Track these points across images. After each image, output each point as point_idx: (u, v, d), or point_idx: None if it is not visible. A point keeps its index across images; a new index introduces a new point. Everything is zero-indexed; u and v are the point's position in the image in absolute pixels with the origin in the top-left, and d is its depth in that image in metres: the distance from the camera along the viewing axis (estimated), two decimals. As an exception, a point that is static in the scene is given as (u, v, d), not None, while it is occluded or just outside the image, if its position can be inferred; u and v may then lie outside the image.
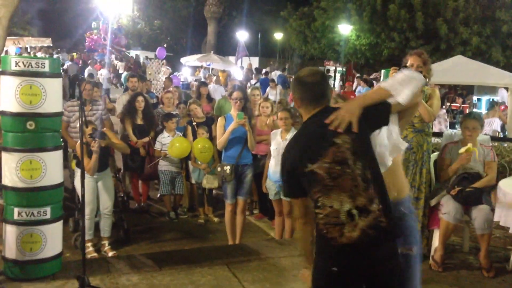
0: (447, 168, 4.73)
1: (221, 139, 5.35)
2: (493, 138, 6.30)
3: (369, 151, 2.36)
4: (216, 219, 6.74)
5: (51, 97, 3.98)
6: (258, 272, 4.37)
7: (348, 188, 2.27)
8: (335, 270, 2.26)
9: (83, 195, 4.14)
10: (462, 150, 4.54)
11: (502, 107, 11.64)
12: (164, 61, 15.33)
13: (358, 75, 19.68)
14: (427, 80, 4.73)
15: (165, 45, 25.68)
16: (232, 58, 23.33)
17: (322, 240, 2.32)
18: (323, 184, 2.30)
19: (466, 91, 17.15)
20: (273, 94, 16.06)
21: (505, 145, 6.54)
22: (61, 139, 4.30)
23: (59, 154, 4.17)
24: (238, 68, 20.55)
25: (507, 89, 10.57)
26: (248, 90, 7.02)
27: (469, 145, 4.53)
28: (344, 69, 22.25)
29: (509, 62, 17.74)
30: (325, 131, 2.34)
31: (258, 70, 20.36)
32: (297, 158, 2.39)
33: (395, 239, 2.32)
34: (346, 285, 2.30)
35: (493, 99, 13.86)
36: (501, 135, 10.64)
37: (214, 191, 7.40)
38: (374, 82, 15.44)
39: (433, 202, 4.69)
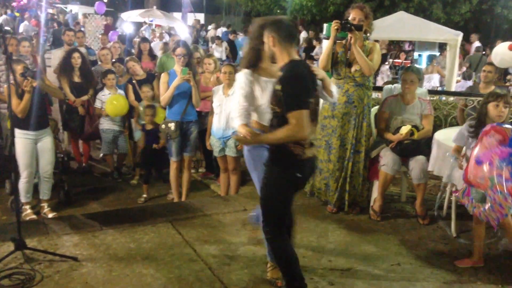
0: (385, 121, 4.84)
1: (165, 95, 5.22)
2: (431, 92, 6.48)
3: None
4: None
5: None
6: (203, 228, 4.37)
7: (313, 123, 3.10)
8: (299, 175, 3.06)
9: (13, 154, 3.93)
10: (403, 131, 4.65)
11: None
12: (105, 16, 14.71)
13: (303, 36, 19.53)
14: (368, 35, 4.76)
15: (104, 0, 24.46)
16: (176, 14, 22.62)
17: (288, 154, 3.01)
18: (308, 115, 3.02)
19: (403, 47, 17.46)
20: (219, 51, 15.80)
21: (443, 98, 6.75)
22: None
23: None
24: (183, 24, 19.96)
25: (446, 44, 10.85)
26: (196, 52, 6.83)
27: (409, 126, 4.64)
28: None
29: (449, 19, 18.17)
30: (313, 77, 3.13)
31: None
32: (307, 89, 3.01)
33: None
34: (298, 183, 3.16)
35: (433, 54, 14.22)
36: (440, 89, 11.00)
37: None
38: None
39: (373, 154, 4.81)
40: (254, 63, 3.39)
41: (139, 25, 18.55)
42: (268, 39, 3.06)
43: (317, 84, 3.17)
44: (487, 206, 3.35)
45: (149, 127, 6.09)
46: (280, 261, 3.17)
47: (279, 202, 3.10)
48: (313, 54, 15.61)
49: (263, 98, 3.30)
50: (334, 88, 3.33)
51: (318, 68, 3.35)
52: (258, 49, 3.30)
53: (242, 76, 3.40)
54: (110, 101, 6.23)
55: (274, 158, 3.07)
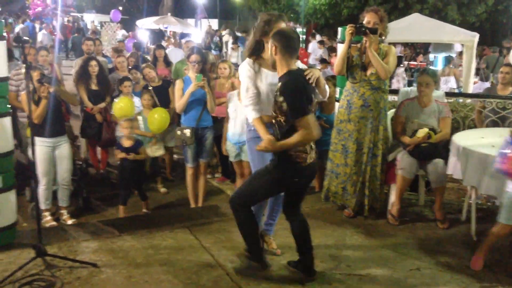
0: (401, 124, 4.80)
1: (180, 102, 5.26)
2: (448, 94, 6.42)
3: None
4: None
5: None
6: (220, 234, 4.38)
7: None
8: (296, 180, 3.40)
9: (33, 162, 4.00)
10: (420, 134, 4.61)
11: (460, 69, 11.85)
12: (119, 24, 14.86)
13: (317, 40, 19.51)
14: (383, 38, 4.74)
15: (120, 8, 24.77)
16: (190, 21, 22.81)
17: (290, 162, 3.31)
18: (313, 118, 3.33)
19: (423, 49, 17.36)
20: (235, 56, 15.87)
21: (460, 100, 6.67)
22: (9, 106, 4.11)
23: (7, 120, 3.99)
24: (198, 30, 20.13)
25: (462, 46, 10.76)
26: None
27: (426, 130, 4.60)
28: (304, 30, 22.11)
29: (464, 20, 17.99)
30: (309, 85, 3.37)
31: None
32: (307, 97, 3.31)
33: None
34: (290, 186, 3.46)
35: (449, 55, 14.09)
36: (457, 91, 10.89)
37: (175, 155, 7.34)
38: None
39: (390, 158, 4.78)
40: (256, 52, 3.69)
41: (158, 32, 18.71)
42: (272, 48, 3.34)
43: (314, 89, 3.46)
44: None
45: (127, 142, 5.51)
46: (242, 230, 3.63)
47: (262, 193, 3.53)
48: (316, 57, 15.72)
49: (262, 87, 3.60)
50: (326, 87, 3.63)
51: (312, 69, 3.51)
52: (261, 40, 3.65)
53: (246, 65, 3.67)
54: (152, 115, 6.08)
55: (277, 162, 3.37)
